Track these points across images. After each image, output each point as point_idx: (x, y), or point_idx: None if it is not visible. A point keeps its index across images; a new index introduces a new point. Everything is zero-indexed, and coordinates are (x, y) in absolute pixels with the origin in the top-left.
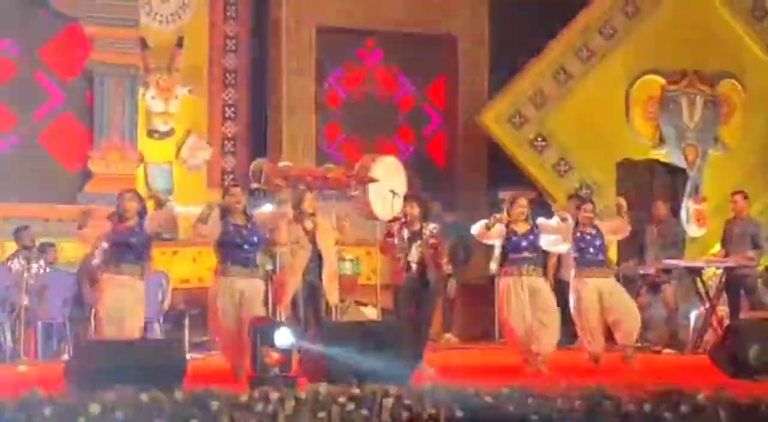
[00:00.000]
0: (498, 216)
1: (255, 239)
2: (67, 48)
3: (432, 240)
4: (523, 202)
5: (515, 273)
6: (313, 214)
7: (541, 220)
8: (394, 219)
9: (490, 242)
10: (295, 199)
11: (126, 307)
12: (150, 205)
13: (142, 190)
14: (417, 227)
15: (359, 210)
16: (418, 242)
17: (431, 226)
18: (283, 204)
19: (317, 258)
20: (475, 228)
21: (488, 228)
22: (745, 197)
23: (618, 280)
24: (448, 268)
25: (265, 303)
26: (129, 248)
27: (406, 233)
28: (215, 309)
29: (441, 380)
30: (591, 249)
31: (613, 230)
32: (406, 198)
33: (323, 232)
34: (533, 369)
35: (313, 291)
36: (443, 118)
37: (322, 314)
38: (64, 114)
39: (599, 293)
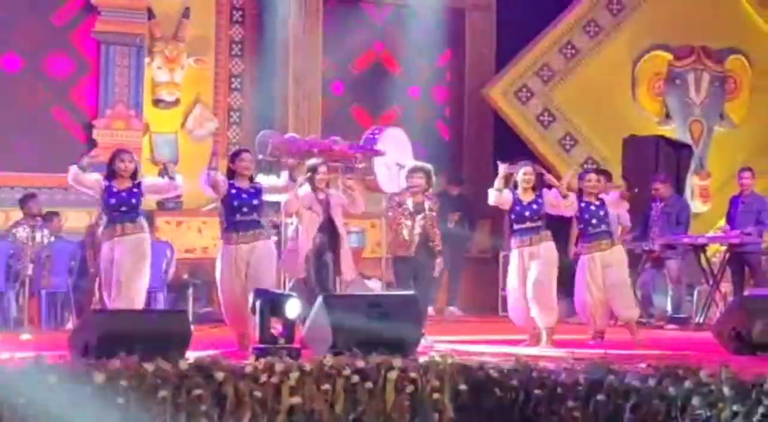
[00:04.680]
0: (504, 166)
1: (256, 202)
2: (75, 16)
3: (432, 213)
4: (529, 170)
5: (518, 244)
6: (326, 186)
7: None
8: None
9: (505, 207)
10: (308, 169)
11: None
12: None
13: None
14: (421, 199)
15: (365, 182)
16: (422, 214)
17: (431, 199)
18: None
19: (329, 229)
20: (491, 196)
21: (500, 190)
22: (753, 174)
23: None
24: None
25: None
26: (129, 208)
27: (410, 204)
28: (221, 277)
29: (445, 353)
30: (594, 221)
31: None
32: (413, 169)
33: (336, 206)
34: (536, 343)
35: (322, 260)
36: (450, 90)
37: (330, 285)
38: (72, 82)
39: (602, 266)
